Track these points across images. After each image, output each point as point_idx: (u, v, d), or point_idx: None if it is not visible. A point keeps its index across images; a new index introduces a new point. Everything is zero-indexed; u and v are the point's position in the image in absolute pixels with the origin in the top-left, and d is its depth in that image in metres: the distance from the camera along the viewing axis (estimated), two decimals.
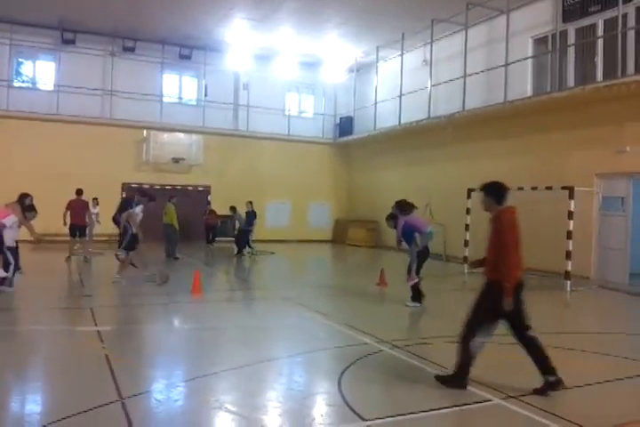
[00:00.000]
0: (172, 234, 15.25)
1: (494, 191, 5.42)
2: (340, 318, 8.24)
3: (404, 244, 9.48)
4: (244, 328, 7.61)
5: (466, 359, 5.02)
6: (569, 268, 11.50)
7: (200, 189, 21.32)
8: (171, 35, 19.87)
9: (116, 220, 11.49)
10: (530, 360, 5.07)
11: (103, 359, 5.61)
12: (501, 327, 7.76)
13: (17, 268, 9.59)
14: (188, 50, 20.87)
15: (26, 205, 10.13)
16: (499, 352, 6.42)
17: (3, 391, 4.82)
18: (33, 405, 4.63)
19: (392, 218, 9.53)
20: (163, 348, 6.47)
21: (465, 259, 14.23)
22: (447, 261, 16.56)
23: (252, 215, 16.97)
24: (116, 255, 11.70)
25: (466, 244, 14.25)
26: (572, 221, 11.45)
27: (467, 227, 14.23)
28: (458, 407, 4.53)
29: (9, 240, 9.36)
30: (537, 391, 4.86)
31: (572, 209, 11.47)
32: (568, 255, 11.50)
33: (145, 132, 20.27)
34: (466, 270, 14.00)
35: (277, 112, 22.71)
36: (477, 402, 4.66)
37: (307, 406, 4.63)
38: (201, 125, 21.12)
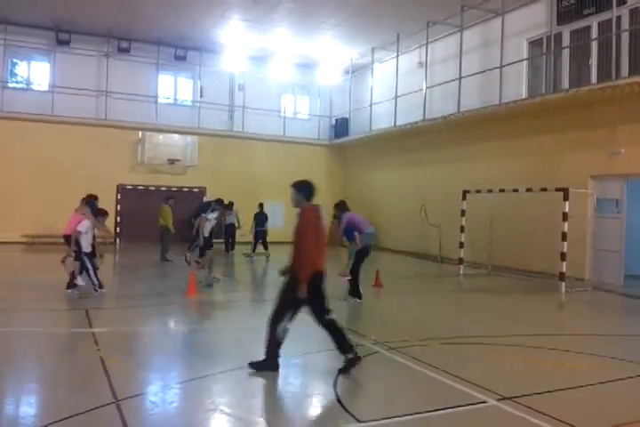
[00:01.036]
0: (166, 236, 15.20)
1: (304, 188, 5.73)
2: (336, 319, 8.23)
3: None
4: (240, 330, 7.59)
5: (274, 344, 5.44)
6: (564, 269, 11.55)
7: (195, 190, 21.28)
8: (166, 35, 19.83)
9: (189, 223, 11.55)
10: (523, 362, 5.08)
11: (98, 361, 5.59)
12: (498, 329, 7.81)
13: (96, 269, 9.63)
14: (183, 51, 20.83)
15: (97, 209, 10.08)
16: (493, 354, 6.44)
17: None
18: (27, 407, 4.61)
19: (335, 217, 10.19)
20: (158, 349, 6.45)
21: (460, 260, 14.27)
22: (442, 262, 16.58)
23: (260, 217, 17.14)
24: (185, 257, 11.72)
25: (461, 245, 14.28)
26: (566, 223, 11.50)
27: (462, 228, 14.26)
28: (453, 409, 4.53)
29: (85, 246, 9.41)
30: (342, 371, 5.35)
31: (566, 211, 11.52)
32: (563, 257, 11.54)
33: (140, 133, 20.22)
34: (461, 272, 14.04)
35: (273, 113, 22.70)
36: (473, 404, 4.66)
37: (302, 408, 4.62)
38: (196, 126, 21.08)
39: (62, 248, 14.37)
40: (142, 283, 11.40)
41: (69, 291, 9.58)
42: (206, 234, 11.07)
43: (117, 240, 19.92)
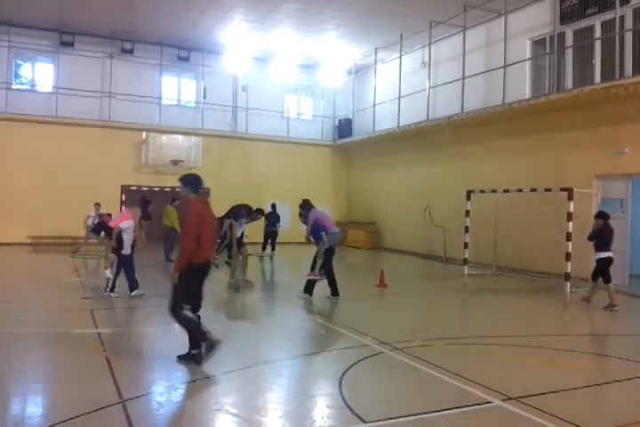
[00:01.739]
0: (171, 237, 15.21)
1: (190, 182, 5.87)
2: (340, 319, 8.25)
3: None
4: (244, 330, 7.61)
5: (193, 328, 5.60)
6: (568, 269, 11.52)
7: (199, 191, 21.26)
8: (169, 36, 19.88)
9: (220, 222, 11.57)
10: (528, 362, 5.06)
11: (104, 361, 5.61)
12: (502, 329, 7.80)
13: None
14: (186, 52, 20.87)
15: (147, 213, 10.15)
16: (498, 354, 6.43)
17: (4, 394, 4.82)
18: (34, 407, 4.62)
19: (301, 215, 10.33)
20: (163, 350, 6.46)
21: (465, 261, 14.25)
22: (447, 262, 16.56)
23: (270, 216, 17.13)
24: (214, 259, 11.68)
25: (465, 245, 14.26)
26: (571, 223, 11.47)
27: (466, 229, 14.24)
28: (458, 409, 4.52)
29: (126, 247, 9.47)
30: (179, 358, 5.64)
31: (571, 211, 11.49)
32: (568, 257, 11.52)
33: (144, 134, 20.26)
34: (466, 272, 14.02)
35: (276, 114, 22.71)
36: (478, 404, 4.66)
37: (307, 408, 4.62)
38: (200, 127, 21.12)
39: (67, 249, 14.49)
40: (147, 283, 11.40)
41: (132, 293, 9.62)
42: (237, 235, 11.13)
43: None
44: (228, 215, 11.28)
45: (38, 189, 18.51)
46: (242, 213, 11.30)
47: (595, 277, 10.05)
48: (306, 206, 10.16)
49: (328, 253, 9.88)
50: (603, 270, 9.89)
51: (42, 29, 19.06)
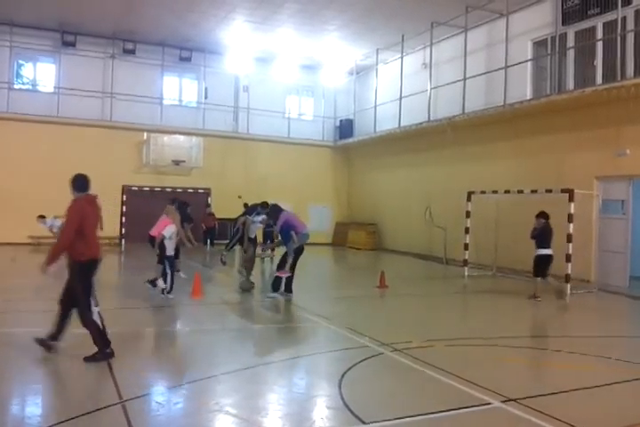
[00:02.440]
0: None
1: (75, 182, 6.09)
2: (341, 320, 8.24)
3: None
4: (245, 331, 7.62)
5: (96, 332, 5.69)
6: (569, 271, 11.50)
7: (200, 191, 21.32)
8: (171, 37, 19.90)
9: (234, 221, 11.74)
10: (528, 364, 5.06)
11: (104, 362, 5.60)
12: (503, 330, 7.80)
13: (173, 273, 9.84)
14: (188, 52, 20.90)
15: (186, 215, 10.19)
16: (498, 355, 6.43)
17: (3, 394, 4.82)
18: (33, 407, 4.63)
19: (270, 216, 10.50)
20: (163, 350, 6.47)
21: (465, 262, 14.24)
22: (447, 264, 16.55)
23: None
24: (222, 257, 11.60)
25: (466, 247, 14.24)
26: (571, 224, 11.45)
27: (467, 230, 14.22)
28: (457, 411, 4.52)
29: (169, 250, 9.59)
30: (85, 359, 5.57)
31: (571, 212, 11.47)
32: (568, 258, 11.49)
33: (145, 134, 20.28)
34: (466, 273, 14.01)
35: (277, 115, 22.74)
36: (477, 405, 4.65)
37: (307, 409, 4.63)
38: (201, 128, 21.15)
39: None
40: (148, 284, 11.41)
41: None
42: (251, 235, 11.17)
43: (122, 241, 19.98)
44: (243, 214, 11.35)
45: (39, 189, 18.50)
46: (257, 209, 11.33)
47: (537, 274, 10.75)
48: (275, 211, 10.29)
49: (297, 252, 10.04)
50: (539, 265, 10.71)
51: (43, 29, 19.10)
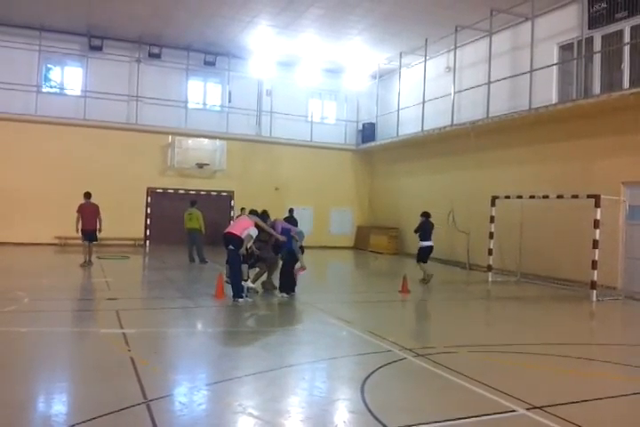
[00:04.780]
0: (200, 239, 15.41)
1: None
2: (363, 324, 8.23)
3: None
4: (267, 333, 7.65)
5: None
6: (595, 278, 11.34)
7: (224, 194, 21.48)
8: (196, 41, 20.13)
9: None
10: (553, 371, 4.99)
11: (128, 362, 5.68)
12: (527, 337, 7.72)
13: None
14: (212, 56, 21.12)
15: (266, 223, 10.35)
16: (523, 362, 6.36)
17: (30, 392, 4.91)
18: (60, 405, 4.70)
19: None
20: (187, 351, 6.53)
21: (489, 267, 14.12)
22: (470, 269, 16.42)
23: (290, 222, 17.11)
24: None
25: (490, 252, 14.13)
26: (597, 230, 11.30)
27: (491, 235, 14.11)
28: (481, 417, 4.49)
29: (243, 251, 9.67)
30: None
31: (598, 218, 11.32)
32: (594, 265, 11.34)
33: (170, 137, 20.51)
34: (490, 279, 13.89)
35: (300, 118, 22.82)
36: (501, 412, 4.61)
37: (329, 413, 4.63)
38: (225, 131, 21.33)
39: (94, 249, 14.66)
40: (172, 286, 11.53)
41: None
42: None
43: (147, 242, 20.22)
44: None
45: (65, 191, 18.80)
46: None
47: (419, 260, 13.27)
48: (264, 216, 10.61)
49: (293, 253, 10.30)
50: (422, 254, 13.22)
51: (71, 34, 19.45)
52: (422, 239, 13.27)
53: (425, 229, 13.29)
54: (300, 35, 18.66)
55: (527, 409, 4.67)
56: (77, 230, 13.95)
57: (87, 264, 13.76)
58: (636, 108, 12.17)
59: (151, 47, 20.29)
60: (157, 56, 20.46)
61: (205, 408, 4.68)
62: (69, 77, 20.55)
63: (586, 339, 8.16)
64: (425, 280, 12.90)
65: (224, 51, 20.89)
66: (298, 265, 10.44)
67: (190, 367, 5.86)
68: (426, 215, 13.56)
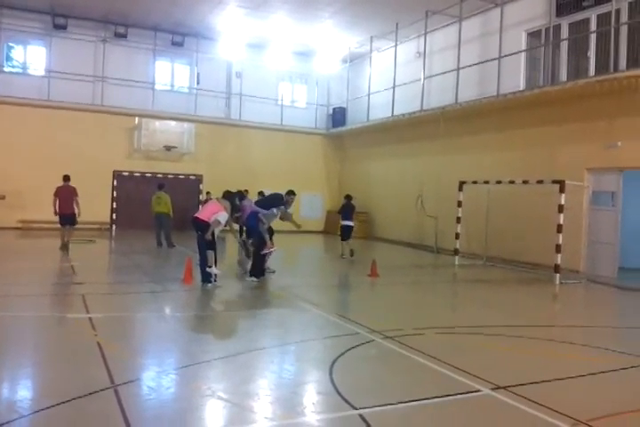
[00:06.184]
0: (168, 223, 15.25)
1: None
2: (332, 308, 8.30)
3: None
4: (236, 317, 7.64)
5: None
6: (558, 261, 11.62)
7: (192, 177, 21.25)
8: (163, 21, 19.70)
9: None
10: (518, 352, 5.11)
11: (95, 346, 5.62)
12: (492, 319, 7.88)
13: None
14: (180, 37, 20.72)
15: (236, 205, 10.17)
16: (488, 343, 6.50)
17: None
18: (25, 391, 4.63)
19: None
20: (155, 336, 6.49)
21: (456, 251, 14.34)
22: (438, 253, 16.64)
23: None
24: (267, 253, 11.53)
25: (457, 236, 14.33)
26: (562, 215, 11.55)
27: (458, 219, 14.31)
28: (448, 397, 4.58)
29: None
30: None
31: (562, 203, 11.56)
32: (558, 249, 11.61)
33: (136, 119, 20.14)
34: (457, 262, 14.11)
35: (270, 101, 22.63)
36: (467, 392, 4.71)
37: (298, 395, 4.66)
38: (193, 113, 21.02)
39: (56, 233, 14.37)
40: (139, 270, 11.41)
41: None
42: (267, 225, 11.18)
43: (113, 226, 19.93)
44: (266, 206, 11.13)
45: (28, 173, 18.38)
46: (282, 199, 11.23)
47: (343, 238, 14.31)
48: (239, 197, 10.91)
49: (262, 236, 10.33)
50: (344, 232, 14.26)
51: (34, 12, 18.86)
52: (343, 219, 14.46)
53: (347, 211, 14.56)
54: (271, 16, 18.42)
55: (492, 389, 4.78)
56: (55, 213, 13.66)
57: (66, 248, 13.55)
58: (601, 96, 12.40)
59: (117, 27, 19.81)
60: (124, 36, 19.98)
61: (174, 392, 4.67)
62: (32, 57, 19.94)
63: (549, 321, 8.37)
64: (343, 256, 14.17)
65: (192, 31, 20.51)
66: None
67: (158, 352, 5.82)
68: (348, 198, 14.83)
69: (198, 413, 4.21)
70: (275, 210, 10.94)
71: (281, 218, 11.12)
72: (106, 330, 6.42)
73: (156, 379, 4.87)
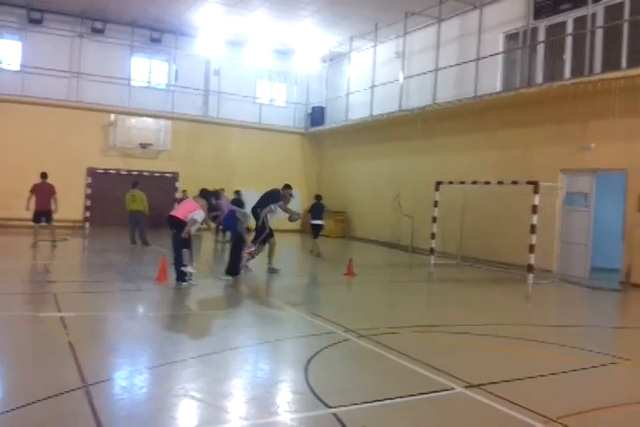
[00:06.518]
0: (143, 221, 15.09)
1: None
2: (308, 307, 8.29)
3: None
4: (211, 316, 7.58)
5: None
6: (532, 261, 11.77)
7: (168, 175, 21.05)
8: (141, 17, 19.48)
9: (255, 213, 11.42)
10: (491, 351, 5.16)
11: (66, 346, 5.53)
12: (466, 318, 7.94)
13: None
14: (158, 33, 20.52)
15: (212, 204, 10.04)
16: (462, 342, 6.55)
17: None
18: None
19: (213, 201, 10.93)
20: (127, 335, 6.41)
21: (431, 250, 14.43)
22: (414, 252, 16.73)
23: (234, 204, 16.96)
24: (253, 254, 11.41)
25: (433, 236, 14.43)
26: (536, 216, 11.70)
27: (434, 219, 14.40)
28: (422, 396, 4.60)
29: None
30: None
31: (536, 204, 11.71)
32: (531, 249, 11.76)
33: (112, 116, 19.87)
34: (432, 262, 14.20)
35: (248, 99, 22.52)
36: (441, 391, 4.74)
37: (273, 394, 4.64)
38: (170, 111, 20.82)
39: (27, 231, 14.14)
40: (112, 269, 11.27)
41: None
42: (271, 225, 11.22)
43: (87, 224, 19.65)
44: (264, 204, 11.13)
45: (1, 169, 18.03)
46: (279, 196, 11.30)
47: (314, 236, 14.76)
48: (215, 196, 10.87)
49: (241, 236, 10.37)
50: (314, 231, 14.77)
51: (9, 5, 18.49)
52: (313, 218, 14.96)
53: (316, 210, 15.09)
54: (251, 13, 18.32)
55: (465, 387, 4.82)
56: (27, 209, 13.55)
57: (54, 244, 13.67)
58: (575, 98, 12.58)
59: (94, 22, 19.54)
60: (100, 31, 19.72)
61: (147, 392, 4.62)
62: (6, 51, 19.53)
63: (522, 320, 8.47)
64: (313, 252, 14.64)
65: (170, 28, 20.32)
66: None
67: (131, 351, 5.75)
68: (318, 198, 15.51)
69: (171, 413, 4.16)
70: (272, 206, 10.94)
71: (286, 212, 11.39)
72: (78, 329, 6.32)
73: (128, 379, 4.82)
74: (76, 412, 4.01)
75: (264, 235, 11.12)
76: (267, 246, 11.51)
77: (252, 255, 11.22)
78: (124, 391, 4.50)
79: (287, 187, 11.60)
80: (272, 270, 11.24)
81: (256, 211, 11.23)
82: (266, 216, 11.00)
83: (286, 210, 11.45)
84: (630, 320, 9.13)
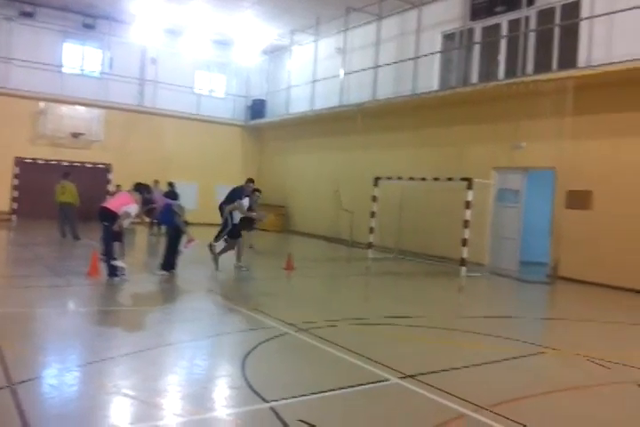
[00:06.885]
0: (74, 214, 14.50)
1: None
2: (246, 301, 8.23)
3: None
4: (145, 312, 7.40)
5: None
6: (465, 255, 12.14)
7: (100, 166, 20.36)
8: (73, 2, 18.69)
9: (220, 209, 10.97)
10: (426, 343, 5.27)
11: None
12: (402, 311, 8.09)
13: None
14: (92, 19, 19.77)
15: (146, 198, 9.54)
16: (398, 334, 6.67)
17: None
18: None
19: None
20: (57, 332, 6.16)
21: (370, 244, 14.62)
22: (352, 246, 16.90)
23: (167, 196, 16.55)
24: (210, 245, 10.87)
25: (371, 230, 14.62)
26: (469, 211, 12.06)
27: (372, 214, 14.59)
28: (358, 387, 4.66)
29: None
30: None
31: (469, 199, 12.07)
32: (464, 243, 12.12)
33: (42, 103, 19.02)
34: (370, 256, 14.40)
35: (186, 90, 22.05)
36: (376, 382, 4.82)
37: (209, 390, 4.59)
38: (104, 99, 20.12)
39: None
40: (39, 263, 10.81)
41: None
42: (236, 221, 10.84)
43: (14, 216, 18.77)
44: (229, 200, 10.84)
45: None
46: (244, 192, 11.04)
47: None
48: (149, 190, 10.18)
49: (178, 229, 10.10)
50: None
51: None
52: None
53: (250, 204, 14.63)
54: (189, 2, 17.89)
55: (400, 378, 4.91)
56: None
57: None
58: (508, 98, 13.01)
59: (24, 5, 18.61)
60: (30, 15, 18.80)
61: (77, 390, 4.46)
62: None
63: (456, 312, 8.72)
64: (251, 246, 14.43)
65: (105, 14, 19.60)
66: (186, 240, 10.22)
67: (61, 349, 5.54)
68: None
69: (103, 411, 4.04)
70: (237, 203, 10.75)
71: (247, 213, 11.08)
72: (3, 326, 6.03)
73: (57, 377, 4.64)
74: (1, 413, 3.82)
75: (226, 231, 10.93)
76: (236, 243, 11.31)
77: (225, 251, 11.02)
78: (54, 390, 4.33)
79: (249, 181, 11.43)
80: (240, 268, 11.06)
81: (221, 207, 11.06)
82: (230, 213, 10.81)
83: (248, 211, 11.24)
84: (558, 312, 9.57)
